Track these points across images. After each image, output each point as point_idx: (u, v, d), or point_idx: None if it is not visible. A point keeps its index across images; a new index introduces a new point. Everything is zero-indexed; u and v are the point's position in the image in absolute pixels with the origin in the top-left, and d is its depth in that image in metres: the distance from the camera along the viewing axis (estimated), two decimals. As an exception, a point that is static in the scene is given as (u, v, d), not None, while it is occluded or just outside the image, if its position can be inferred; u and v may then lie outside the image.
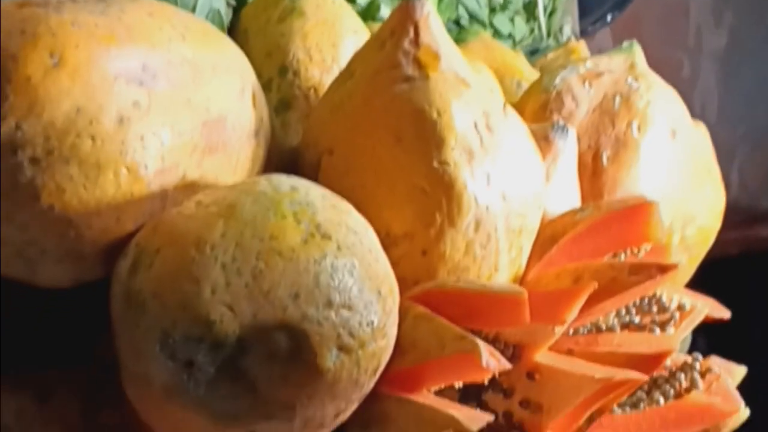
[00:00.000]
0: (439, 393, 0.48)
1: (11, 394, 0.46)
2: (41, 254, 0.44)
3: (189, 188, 0.46)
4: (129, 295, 0.42)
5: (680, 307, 0.57)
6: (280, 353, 0.41)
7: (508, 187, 0.51)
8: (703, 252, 0.71)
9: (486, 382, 0.50)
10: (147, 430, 0.46)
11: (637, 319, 0.56)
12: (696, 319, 0.57)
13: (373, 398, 0.47)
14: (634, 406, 0.55)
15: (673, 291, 0.59)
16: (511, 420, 0.51)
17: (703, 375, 0.55)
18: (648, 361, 0.52)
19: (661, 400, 0.54)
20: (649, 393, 0.55)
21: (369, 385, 0.45)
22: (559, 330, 0.48)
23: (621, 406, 0.54)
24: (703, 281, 0.67)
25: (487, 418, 0.47)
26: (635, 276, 0.52)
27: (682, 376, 0.56)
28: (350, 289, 0.43)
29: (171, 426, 0.44)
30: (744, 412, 0.55)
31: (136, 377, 0.43)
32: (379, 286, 0.44)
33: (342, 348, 0.42)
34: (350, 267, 0.43)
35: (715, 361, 0.57)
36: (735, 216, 1.06)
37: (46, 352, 0.49)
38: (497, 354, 0.46)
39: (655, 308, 0.57)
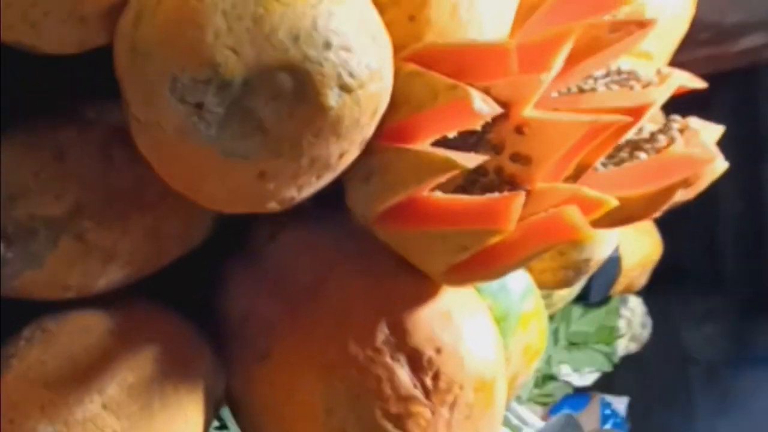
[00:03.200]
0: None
1: (29, 153, 0.48)
2: (44, 16, 0.45)
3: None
4: (135, 47, 0.44)
5: (658, 72, 0.59)
6: (284, 93, 0.43)
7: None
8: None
9: (476, 140, 0.52)
10: (159, 188, 0.48)
11: (616, 88, 0.59)
12: (675, 82, 0.59)
13: (372, 151, 0.50)
14: (618, 165, 0.58)
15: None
16: (502, 174, 0.53)
17: (681, 132, 0.58)
18: (632, 113, 0.54)
19: (643, 157, 0.57)
20: (631, 154, 0.58)
21: (369, 127, 0.47)
22: (545, 78, 0.50)
23: (605, 165, 0.57)
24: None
25: (482, 158, 0.49)
26: (615, 33, 0.54)
27: (662, 136, 0.58)
28: (346, 32, 0.44)
29: (183, 172, 0.46)
30: (721, 164, 0.57)
31: (148, 126, 0.44)
32: (374, 34, 0.46)
33: (343, 87, 0.44)
34: (346, 12, 0.45)
35: (693, 121, 0.59)
36: (701, 33, 1.08)
37: (61, 113, 0.50)
38: (489, 99, 0.49)
39: (633, 82, 0.59)
